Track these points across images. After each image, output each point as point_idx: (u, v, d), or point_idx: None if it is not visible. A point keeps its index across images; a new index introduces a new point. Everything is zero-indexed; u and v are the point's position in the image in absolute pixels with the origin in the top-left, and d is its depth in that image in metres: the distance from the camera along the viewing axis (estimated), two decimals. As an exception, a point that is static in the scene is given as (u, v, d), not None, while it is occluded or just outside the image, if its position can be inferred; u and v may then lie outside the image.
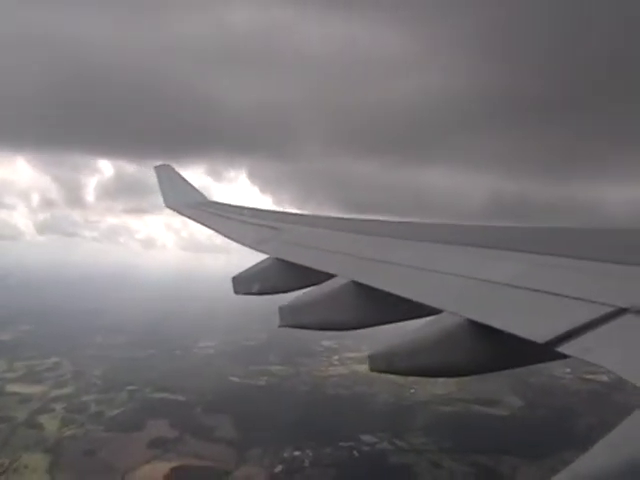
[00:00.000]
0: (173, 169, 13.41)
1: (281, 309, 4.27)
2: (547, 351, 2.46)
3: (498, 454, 54.81)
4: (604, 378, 76.86)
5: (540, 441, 57.06)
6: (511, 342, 2.69)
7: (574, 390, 73.48)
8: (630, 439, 1.85)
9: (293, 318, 4.30)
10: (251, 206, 9.85)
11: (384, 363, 3.25)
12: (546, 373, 78.22)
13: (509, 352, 3.05)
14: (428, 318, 3.44)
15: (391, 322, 4.22)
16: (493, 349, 3.05)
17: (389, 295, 3.79)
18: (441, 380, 74.54)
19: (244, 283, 5.63)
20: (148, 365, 77.25)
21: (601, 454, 1.82)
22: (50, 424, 57.61)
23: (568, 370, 79.29)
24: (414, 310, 3.62)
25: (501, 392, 70.69)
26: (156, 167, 13.37)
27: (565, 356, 2.42)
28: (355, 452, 54.63)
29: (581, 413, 64.72)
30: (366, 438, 57.25)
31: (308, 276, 4.97)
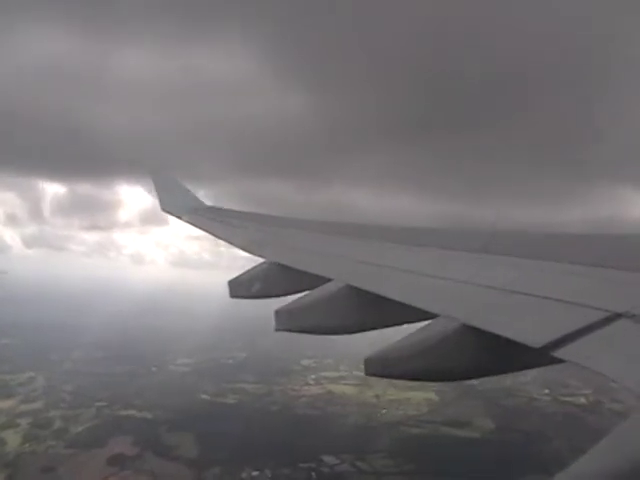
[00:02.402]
0: (169, 173, 13.18)
1: (277, 313, 4.33)
2: (542, 356, 2.48)
3: (461, 478, 54.11)
4: (581, 400, 76.31)
5: (505, 465, 56.44)
6: (506, 346, 2.73)
7: (549, 412, 72.50)
8: (629, 441, 1.88)
9: (289, 322, 4.34)
10: (248, 211, 10.06)
11: (380, 367, 3.30)
12: (523, 394, 77.63)
13: (504, 356, 3.08)
14: (424, 322, 3.47)
15: (387, 326, 4.26)
16: (488, 353, 3.08)
17: (385, 299, 3.82)
18: (413, 401, 74.27)
19: (240, 286, 5.71)
20: (122, 381, 77.14)
21: (600, 456, 1.87)
22: (12, 439, 57.53)
23: (546, 391, 78.61)
24: (410, 314, 3.65)
25: (474, 414, 70.04)
26: (152, 171, 13.04)
27: (560, 361, 2.44)
28: (313, 473, 54.05)
29: (552, 437, 63.70)
30: (328, 459, 56.68)
31: (304, 280, 4.98)
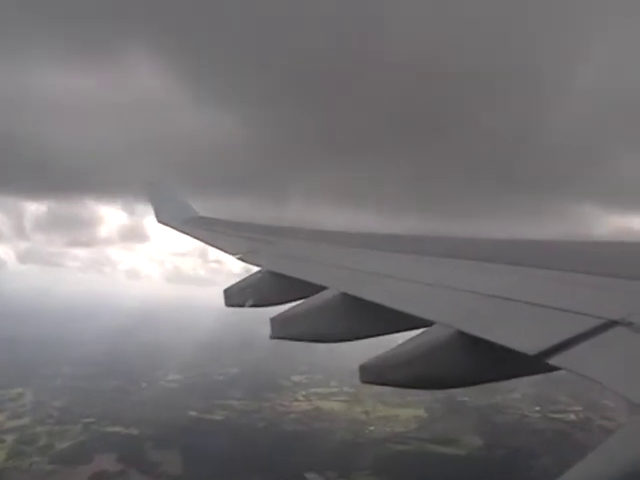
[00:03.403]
0: (164, 184, 13.21)
1: (272, 321, 4.35)
2: (538, 363, 2.46)
3: (443, 496, 53.94)
4: (571, 417, 75.78)
5: (490, 483, 56.29)
6: (502, 354, 2.71)
7: (539, 429, 71.94)
8: (625, 447, 1.86)
9: (284, 330, 4.36)
10: (243, 221, 10.17)
11: (375, 375, 3.28)
12: (513, 411, 77.17)
13: (499, 364, 3.06)
14: (419, 330, 3.47)
15: (382, 334, 4.25)
16: (483, 361, 3.07)
17: (380, 307, 3.82)
18: (402, 418, 73.99)
19: (235, 295, 5.73)
20: (111, 397, 77.02)
21: (596, 463, 1.86)
22: (-4, 455, 57.71)
23: (537, 408, 78.02)
24: (405, 322, 3.64)
25: (462, 431, 69.64)
26: (147, 183, 13.11)
27: (555, 368, 2.43)
28: (295, 490, 54.09)
29: (539, 454, 63.38)
30: (311, 477, 56.52)
31: (299, 288, 4.98)
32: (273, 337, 4.36)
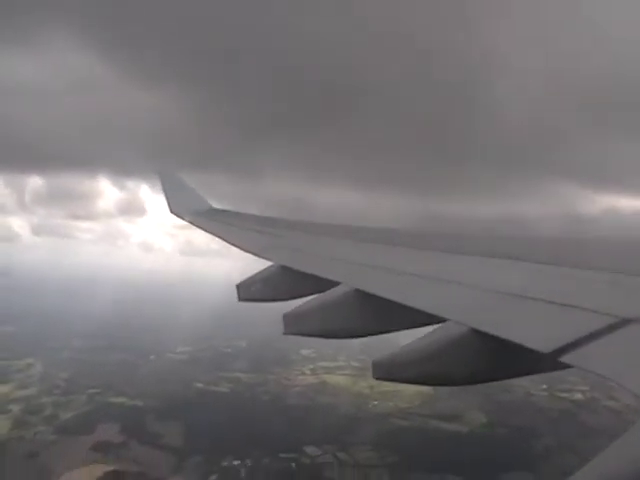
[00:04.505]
0: (176, 174, 13.16)
1: (285, 316, 4.33)
2: (551, 361, 2.48)
3: (442, 472, 53.58)
4: (578, 396, 75.06)
5: (490, 461, 55.81)
6: (515, 351, 2.73)
7: (544, 408, 71.47)
8: (632, 451, 1.88)
9: (297, 326, 4.34)
10: (256, 214, 10.25)
11: (387, 371, 3.32)
12: (520, 390, 76.47)
13: (513, 361, 3.12)
14: (432, 327, 3.50)
15: (394, 330, 4.26)
16: (497, 358, 3.10)
17: (393, 303, 3.80)
18: (406, 393, 73.75)
19: (248, 290, 5.77)
20: (118, 369, 78.35)
21: (609, 462, 1.87)
22: (2, 425, 58.75)
23: (544, 386, 77.40)
24: (418, 318, 3.67)
25: (466, 408, 69.21)
26: (160, 172, 13.01)
27: (569, 366, 2.43)
28: (293, 464, 54.26)
29: (542, 434, 62.88)
30: (311, 450, 56.86)
31: (312, 283, 5.01)
32: (286, 333, 4.32)
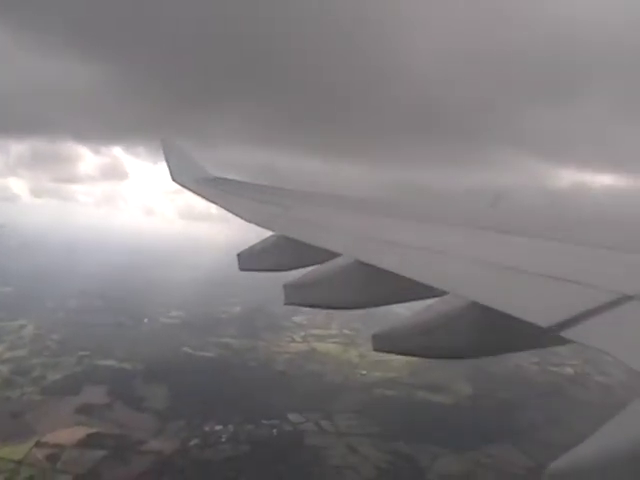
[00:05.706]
0: (179, 142, 12.95)
1: (286, 287, 4.31)
2: (550, 336, 2.50)
3: (423, 443, 53.72)
4: (568, 370, 74.92)
5: (473, 432, 55.95)
6: (515, 326, 2.74)
7: (533, 382, 71.49)
8: (631, 426, 1.90)
9: (297, 296, 4.32)
10: (258, 183, 10.19)
11: (388, 343, 3.32)
12: (511, 362, 76.26)
13: (512, 335, 3.13)
14: (433, 299, 3.54)
15: (395, 302, 4.31)
16: (497, 332, 3.12)
17: (394, 275, 3.80)
18: (395, 364, 73.81)
19: (249, 259, 5.79)
20: (110, 332, 78.89)
21: (601, 440, 1.87)
22: (-11, 385, 59.64)
23: (536, 360, 77.11)
24: (419, 291, 3.69)
25: (454, 379, 69.18)
26: (162, 140, 12.74)
27: (568, 341, 2.45)
28: (275, 431, 54.62)
29: (527, 407, 62.86)
30: (293, 417, 57.20)
31: (313, 254, 4.98)
32: (287, 303, 4.31)
